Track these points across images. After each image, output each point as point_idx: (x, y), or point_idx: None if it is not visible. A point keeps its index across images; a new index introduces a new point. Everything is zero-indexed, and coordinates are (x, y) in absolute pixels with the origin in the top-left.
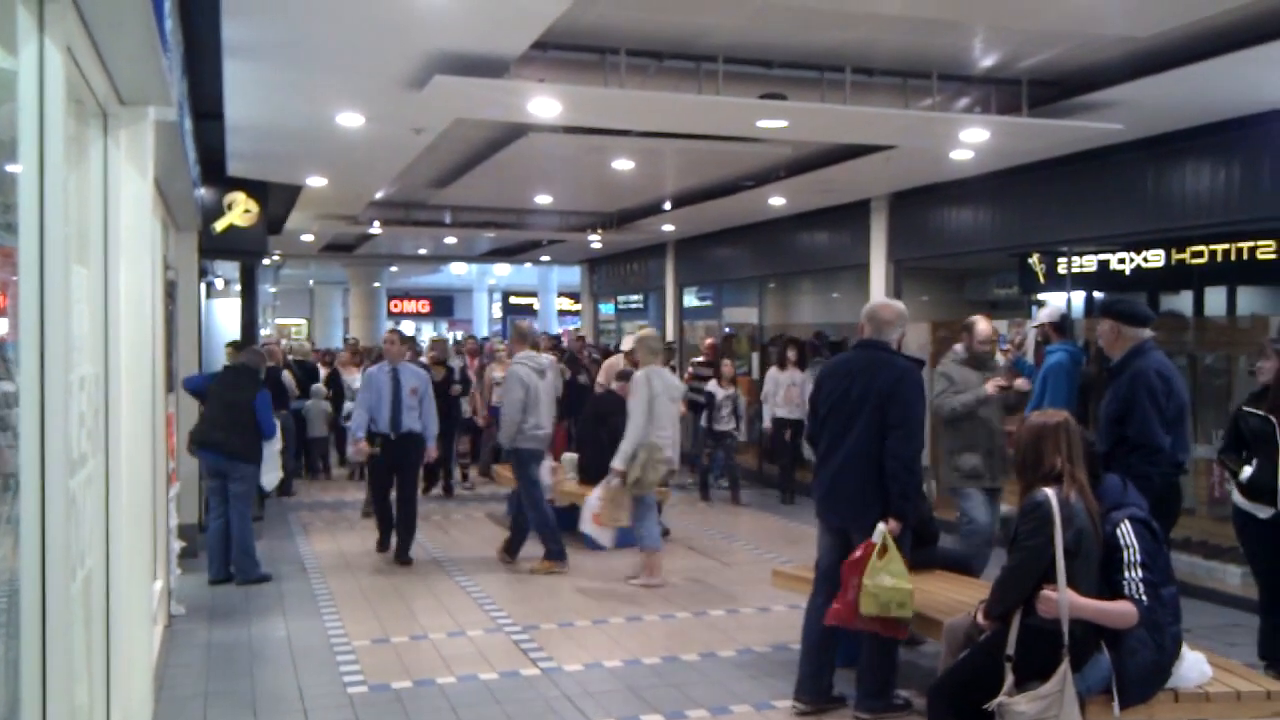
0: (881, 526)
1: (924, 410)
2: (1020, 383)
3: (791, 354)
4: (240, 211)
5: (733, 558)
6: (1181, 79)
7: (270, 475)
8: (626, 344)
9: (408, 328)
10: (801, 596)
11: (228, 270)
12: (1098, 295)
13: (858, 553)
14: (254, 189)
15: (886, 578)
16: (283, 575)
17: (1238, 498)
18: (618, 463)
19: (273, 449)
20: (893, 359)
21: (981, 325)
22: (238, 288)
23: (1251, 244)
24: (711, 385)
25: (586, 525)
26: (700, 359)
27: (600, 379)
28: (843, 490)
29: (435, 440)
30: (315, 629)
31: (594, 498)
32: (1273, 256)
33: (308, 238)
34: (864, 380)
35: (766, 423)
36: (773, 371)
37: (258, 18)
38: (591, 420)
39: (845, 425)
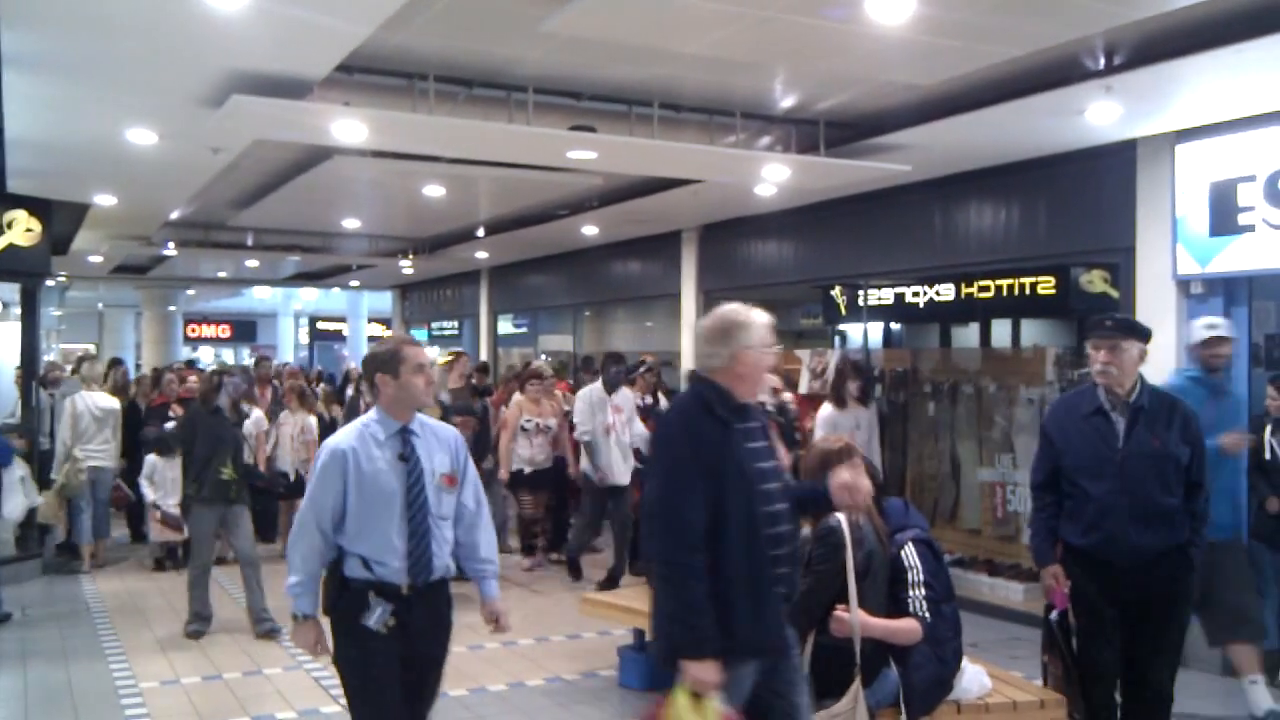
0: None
1: (679, 452)
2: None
3: (853, 386)
4: (21, 230)
5: (543, 585)
6: (962, 125)
7: (12, 502)
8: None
9: (205, 354)
10: (612, 624)
11: (6, 292)
12: (894, 327)
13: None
14: (36, 207)
15: None
16: (65, 616)
17: None
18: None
19: (13, 476)
20: (680, 395)
21: None
22: (18, 311)
23: (1032, 280)
24: (637, 426)
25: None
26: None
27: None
28: None
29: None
30: (100, 672)
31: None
32: (1052, 292)
33: (96, 259)
34: None
35: None
36: (828, 411)
37: (40, 29)
38: None
39: None
